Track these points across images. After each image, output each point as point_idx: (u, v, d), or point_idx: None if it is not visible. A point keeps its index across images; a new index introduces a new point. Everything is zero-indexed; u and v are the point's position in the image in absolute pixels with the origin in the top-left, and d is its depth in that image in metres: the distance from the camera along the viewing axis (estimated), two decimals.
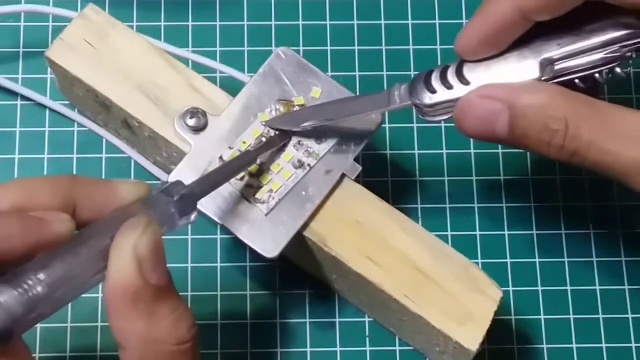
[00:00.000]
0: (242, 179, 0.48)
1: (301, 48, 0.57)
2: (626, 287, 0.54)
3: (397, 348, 0.52)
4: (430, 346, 0.50)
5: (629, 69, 0.43)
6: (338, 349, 0.52)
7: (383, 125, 0.55)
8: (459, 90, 0.44)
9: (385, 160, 0.55)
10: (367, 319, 0.53)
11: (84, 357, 0.51)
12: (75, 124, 0.55)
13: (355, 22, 0.58)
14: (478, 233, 0.54)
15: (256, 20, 0.58)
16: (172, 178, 0.46)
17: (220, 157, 0.48)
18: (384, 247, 0.48)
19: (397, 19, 0.58)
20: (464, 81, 0.44)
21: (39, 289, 0.35)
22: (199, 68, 0.52)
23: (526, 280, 0.54)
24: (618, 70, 0.43)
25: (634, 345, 0.53)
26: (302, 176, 0.48)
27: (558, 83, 0.43)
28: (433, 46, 0.57)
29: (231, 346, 0.52)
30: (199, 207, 0.42)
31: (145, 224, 0.37)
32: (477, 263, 0.53)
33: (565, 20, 0.42)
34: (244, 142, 0.48)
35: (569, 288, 0.54)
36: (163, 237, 0.38)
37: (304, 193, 0.48)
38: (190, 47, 0.57)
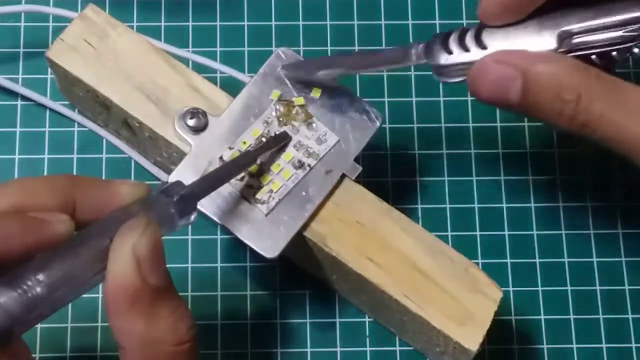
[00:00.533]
0: (242, 179, 0.48)
1: (301, 48, 0.57)
2: (626, 287, 0.54)
3: (397, 348, 0.52)
4: (430, 346, 0.50)
5: None
6: (338, 349, 0.52)
7: (383, 125, 0.55)
8: (475, 54, 0.43)
9: (385, 160, 0.55)
10: (367, 319, 0.53)
11: (84, 357, 0.51)
12: (75, 124, 0.55)
13: (355, 22, 0.58)
14: (478, 233, 0.54)
15: (256, 20, 0.58)
16: (172, 178, 0.46)
17: (220, 157, 0.48)
18: (384, 247, 0.48)
19: (397, 19, 0.58)
20: (481, 45, 0.44)
21: (38, 289, 0.35)
22: (199, 68, 0.52)
23: (526, 280, 0.54)
24: (636, 50, 0.43)
25: (634, 345, 0.53)
26: (302, 176, 0.48)
27: (574, 57, 0.43)
28: None
29: (231, 346, 0.52)
30: (199, 207, 0.42)
31: (144, 224, 0.37)
32: (477, 263, 0.53)
33: None
34: (244, 142, 0.48)
35: (569, 288, 0.54)
36: (163, 238, 0.38)
37: (304, 193, 0.48)
38: (190, 47, 0.57)
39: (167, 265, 0.38)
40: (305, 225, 0.48)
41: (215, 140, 0.48)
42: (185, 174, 0.47)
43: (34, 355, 0.38)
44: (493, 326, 0.47)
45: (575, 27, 0.43)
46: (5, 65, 0.56)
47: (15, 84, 0.55)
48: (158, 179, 0.54)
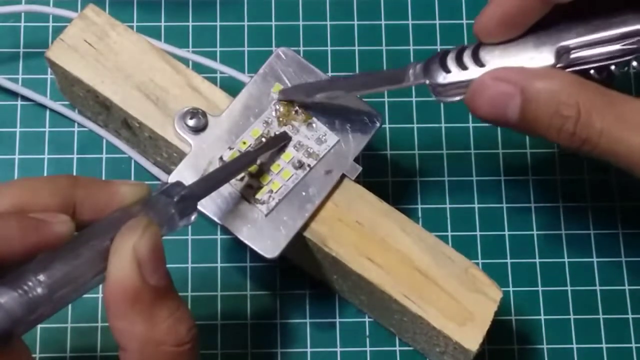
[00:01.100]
0: (242, 179, 0.48)
1: (301, 48, 0.57)
2: (626, 287, 0.54)
3: (397, 348, 0.52)
4: (430, 346, 0.50)
5: None
6: (338, 349, 0.52)
7: (383, 125, 0.55)
8: (473, 72, 0.43)
9: (385, 160, 0.55)
10: (367, 319, 0.53)
11: (84, 357, 0.51)
12: (76, 124, 0.55)
13: (355, 22, 0.58)
14: (478, 233, 0.54)
15: (256, 20, 0.58)
16: (172, 178, 0.46)
17: (220, 158, 0.48)
18: (384, 247, 0.48)
19: (397, 19, 0.58)
20: (479, 63, 0.44)
21: (39, 290, 0.35)
22: (199, 68, 0.52)
23: (526, 280, 0.54)
24: (634, 63, 0.42)
25: (634, 345, 0.53)
26: (302, 176, 0.48)
27: (573, 72, 0.43)
28: (433, 46, 0.57)
29: (231, 346, 0.52)
30: (199, 207, 0.42)
31: (144, 224, 0.37)
32: (477, 263, 0.53)
33: (585, 8, 0.42)
34: (244, 142, 0.48)
35: (569, 288, 0.54)
36: (163, 238, 0.38)
37: (304, 193, 0.48)
38: (190, 47, 0.57)
39: (167, 266, 0.38)
40: (305, 226, 0.48)
41: (215, 140, 0.48)
42: (185, 174, 0.47)
43: (34, 356, 0.38)
44: (493, 326, 0.47)
45: (572, 42, 0.43)
46: (5, 65, 0.56)
47: (15, 84, 0.55)
48: (158, 179, 0.54)
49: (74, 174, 0.54)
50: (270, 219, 0.48)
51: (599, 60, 0.43)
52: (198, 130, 0.48)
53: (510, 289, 0.53)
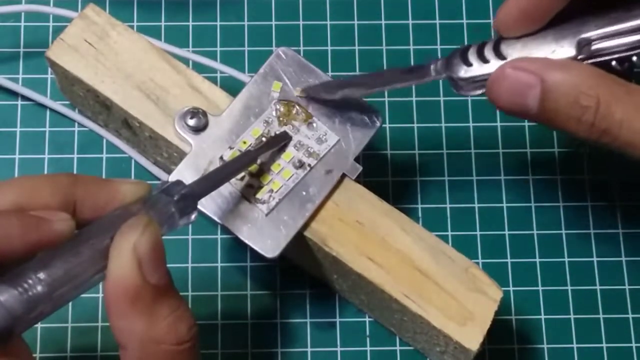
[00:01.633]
0: (242, 178, 0.48)
1: (301, 48, 0.57)
2: (626, 287, 0.54)
3: (397, 348, 0.52)
4: (430, 346, 0.50)
5: None
6: (338, 349, 0.52)
7: (383, 125, 0.55)
8: (494, 65, 0.44)
9: (385, 160, 0.55)
10: (367, 319, 0.53)
11: (84, 357, 0.51)
12: (76, 124, 0.55)
13: (356, 22, 0.58)
14: (478, 233, 0.54)
15: (256, 20, 0.58)
16: (172, 178, 0.46)
17: (221, 157, 0.48)
18: (384, 247, 0.48)
19: (397, 18, 0.58)
20: (500, 56, 0.44)
21: (39, 287, 0.35)
22: (199, 68, 0.52)
23: (526, 280, 0.54)
24: None
25: (634, 345, 0.53)
26: (303, 176, 0.48)
27: (594, 63, 0.43)
28: (433, 46, 0.57)
29: (231, 346, 0.52)
30: (199, 207, 0.42)
31: (145, 223, 0.37)
32: (477, 263, 0.53)
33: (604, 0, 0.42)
34: (244, 142, 0.48)
35: (569, 288, 0.54)
36: (163, 237, 0.38)
37: (304, 193, 0.48)
38: (190, 47, 0.57)
39: (168, 265, 0.38)
40: (306, 225, 0.48)
41: (216, 140, 0.48)
42: (186, 173, 0.47)
43: (34, 355, 0.38)
44: (493, 326, 0.47)
45: (593, 33, 0.43)
46: (5, 65, 0.56)
47: (15, 84, 0.55)
48: (158, 179, 0.54)
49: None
50: (270, 219, 0.48)
51: (620, 51, 0.42)
52: (198, 130, 0.48)
53: (511, 288, 0.53)
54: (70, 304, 0.42)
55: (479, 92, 0.45)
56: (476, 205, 0.55)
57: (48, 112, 0.55)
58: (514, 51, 0.44)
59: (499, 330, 0.50)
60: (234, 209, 0.47)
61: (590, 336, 0.53)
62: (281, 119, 0.49)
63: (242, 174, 0.48)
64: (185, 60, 0.52)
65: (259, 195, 0.48)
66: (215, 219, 0.47)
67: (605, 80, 0.42)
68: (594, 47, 0.43)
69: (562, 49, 0.43)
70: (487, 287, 0.47)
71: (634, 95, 0.41)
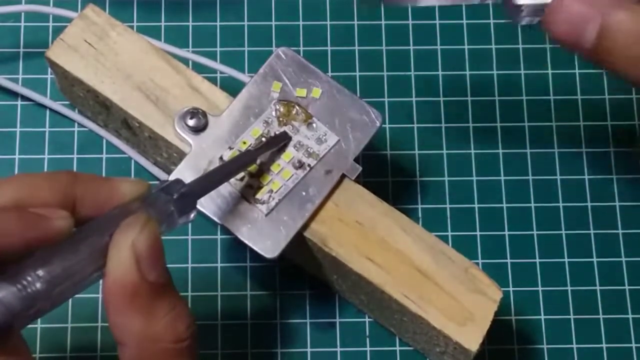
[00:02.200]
0: (242, 179, 0.48)
1: (301, 48, 0.57)
2: (626, 287, 0.54)
3: (397, 348, 0.52)
4: (430, 346, 0.50)
5: None
6: (338, 349, 0.52)
7: (383, 125, 0.55)
8: None
9: (385, 160, 0.55)
10: (367, 319, 0.53)
11: (84, 357, 0.51)
12: (76, 124, 0.55)
13: (356, 22, 0.58)
14: (478, 233, 0.54)
15: (256, 20, 0.58)
16: (172, 178, 0.46)
17: (220, 157, 0.48)
18: (384, 247, 0.48)
19: (397, 19, 0.58)
20: None
21: (38, 285, 0.35)
22: (199, 68, 0.52)
23: (526, 280, 0.54)
24: None
25: (634, 345, 0.53)
26: (302, 176, 0.48)
27: None
28: (434, 46, 0.57)
29: (231, 346, 0.52)
30: (198, 207, 0.42)
31: (143, 221, 0.38)
32: (477, 263, 0.53)
33: None
34: (244, 142, 0.48)
35: (569, 288, 0.54)
36: (163, 237, 0.38)
37: (304, 193, 0.48)
38: (190, 47, 0.57)
39: (168, 265, 0.38)
40: (305, 225, 0.48)
41: (215, 140, 0.48)
42: (185, 174, 0.47)
43: (34, 355, 0.38)
44: (493, 326, 0.47)
45: None
46: (5, 65, 0.56)
47: (15, 84, 0.55)
48: (158, 179, 0.54)
49: None
50: (270, 219, 0.48)
51: None
52: (198, 130, 0.48)
53: (510, 289, 0.53)
54: (70, 303, 0.42)
55: (534, 19, 0.43)
56: (476, 205, 0.55)
57: (48, 112, 0.55)
58: None
59: (498, 331, 0.50)
60: (234, 209, 0.47)
61: (590, 336, 0.53)
62: (281, 119, 0.49)
63: (242, 174, 0.48)
64: (185, 61, 0.52)
65: (258, 196, 0.48)
66: (215, 219, 0.47)
67: None
68: None
69: None
70: (486, 288, 0.47)
71: None
